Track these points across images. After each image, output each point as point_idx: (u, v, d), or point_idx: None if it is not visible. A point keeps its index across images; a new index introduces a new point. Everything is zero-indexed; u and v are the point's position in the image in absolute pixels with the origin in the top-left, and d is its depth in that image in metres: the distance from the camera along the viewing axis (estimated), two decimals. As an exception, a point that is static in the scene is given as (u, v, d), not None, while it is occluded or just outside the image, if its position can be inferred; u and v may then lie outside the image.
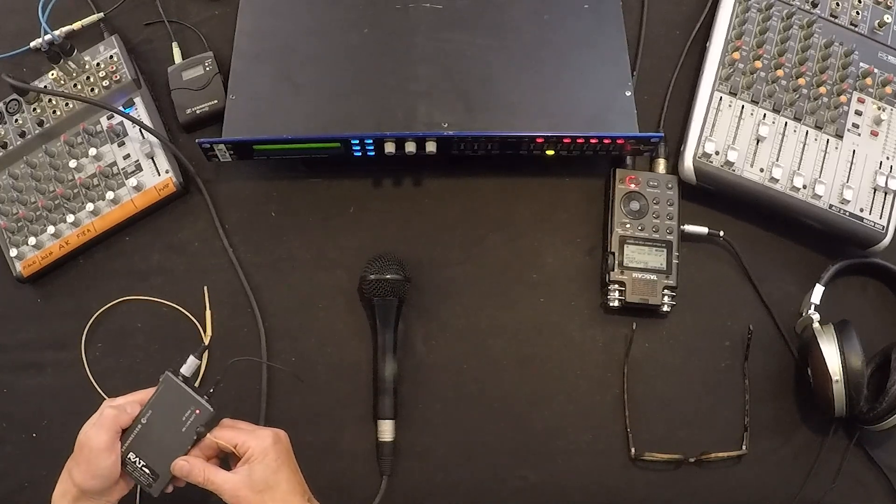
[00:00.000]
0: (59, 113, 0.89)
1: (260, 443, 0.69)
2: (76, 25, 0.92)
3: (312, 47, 0.87)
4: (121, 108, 0.88)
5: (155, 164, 0.87)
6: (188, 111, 0.89)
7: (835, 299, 0.86)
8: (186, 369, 0.73)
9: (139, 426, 0.71)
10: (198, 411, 0.71)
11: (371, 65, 0.85)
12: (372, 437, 0.82)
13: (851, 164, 0.86)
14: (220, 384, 0.72)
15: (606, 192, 0.88)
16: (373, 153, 0.82)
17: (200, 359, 0.75)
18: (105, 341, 0.86)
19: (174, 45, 0.92)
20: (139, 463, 0.71)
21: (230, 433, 0.70)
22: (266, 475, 0.68)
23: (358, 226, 0.88)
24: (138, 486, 0.72)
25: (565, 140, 0.81)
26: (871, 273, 0.89)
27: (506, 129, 0.81)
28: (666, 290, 0.84)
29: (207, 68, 0.90)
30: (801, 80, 0.88)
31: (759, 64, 0.88)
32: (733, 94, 0.87)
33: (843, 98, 0.87)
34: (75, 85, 0.89)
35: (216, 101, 0.89)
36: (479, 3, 0.88)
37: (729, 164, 0.85)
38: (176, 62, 0.91)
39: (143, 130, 0.87)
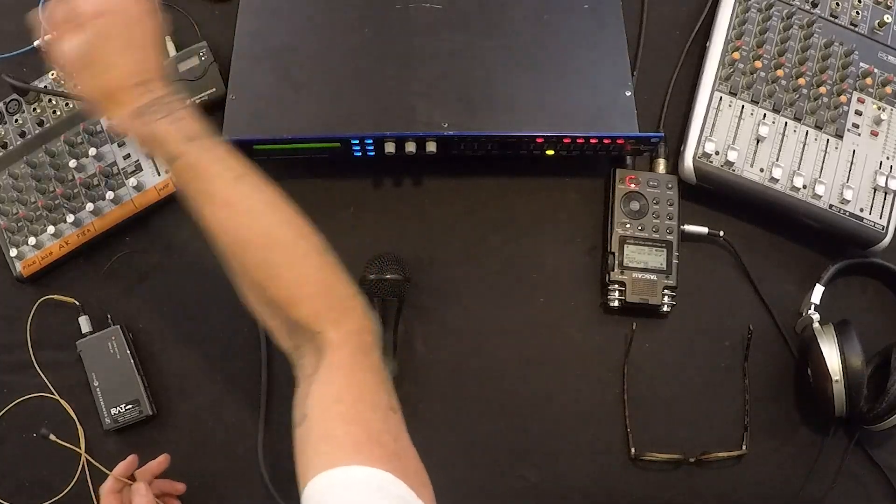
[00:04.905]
0: (59, 113, 0.89)
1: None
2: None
3: (312, 47, 0.87)
4: (121, 108, 0.87)
5: (155, 164, 0.87)
6: (188, 102, 0.88)
7: (835, 299, 0.86)
8: (84, 326, 0.85)
9: (98, 390, 0.82)
10: (113, 337, 0.83)
11: (371, 65, 0.85)
12: (372, 437, 0.82)
13: (851, 164, 0.86)
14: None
15: (606, 192, 0.88)
16: (373, 153, 0.82)
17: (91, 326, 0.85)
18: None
19: (167, 38, 0.92)
20: (123, 408, 0.82)
21: None
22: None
23: (358, 226, 0.88)
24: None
25: (565, 140, 0.81)
26: (871, 273, 0.89)
27: (506, 129, 0.81)
28: (666, 290, 0.84)
29: (203, 58, 0.90)
30: (801, 80, 0.88)
31: (759, 64, 0.88)
32: (733, 94, 0.87)
33: (843, 98, 0.87)
34: (76, 85, 0.89)
35: (214, 90, 0.89)
36: (479, 3, 0.88)
37: (729, 164, 0.85)
38: (170, 55, 0.91)
39: (143, 130, 0.87)
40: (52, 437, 0.77)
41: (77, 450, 0.82)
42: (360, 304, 0.63)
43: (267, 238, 0.63)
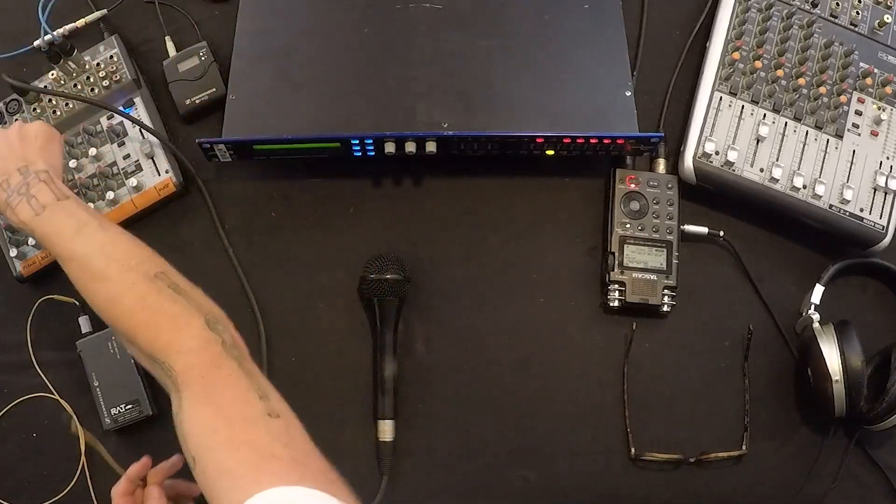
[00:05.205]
0: (59, 113, 0.89)
1: None
2: (80, 23, 0.92)
3: (312, 47, 0.87)
4: (121, 108, 0.87)
5: (155, 164, 0.87)
6: (188, 102, 0.89)
7: (835, 299, 0.86)
8: (84, 326, 0.84)
9: (98, 389, 0.82)
10: (113, 337, 0.82)
11: (371, 65, 0.85)
12: (372, 437, 0.82)
13: (851, 164, 0.86)
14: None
15: (606, 192, 0.88)
16: (373, 153, 0.82)
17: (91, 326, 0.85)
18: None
19: (167, 38, 0.92)
20: (123, 408, 0.82)
21: None
22: None
23: (358, 226, 0.88)
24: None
25: (565, 140, 0.81)
26: (871, 273, 0.89)
27: (506, 129, 0.81)
28: (666, 290, 0.84)
29: (203, 58, 0.90)
30: (801, 80, 0.88)
31: (759, 64, 0.88)
32: (733, 94, 0.87)
33: (843, 98, 0.87)
34: (75, 85, 0.89)
35: (214, 90, 0.89)
36: (479, 3, 0.88)
37: (729, 164, 0.85)
38: (170, 55, 0.91)
39: (143, 130, 0.87)
40: (75, 423, 0.79)
41: (86, 436, 0.82)
42: (195, 317, 0.61)
43: (100, 278, 0.64)
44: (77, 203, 0.69)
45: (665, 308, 0.84)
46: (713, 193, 0.87)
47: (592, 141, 0.81)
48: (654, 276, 0.84)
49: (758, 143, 0.86)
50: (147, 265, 0.65)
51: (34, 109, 0.89)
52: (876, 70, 0.89)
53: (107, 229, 0.67)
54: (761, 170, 0.85)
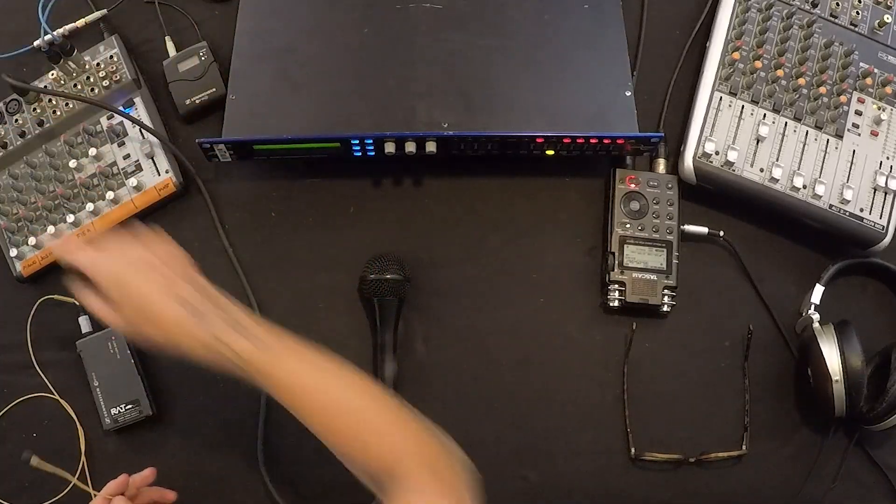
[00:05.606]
0: (59, 113, 0.89)
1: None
2: (80, 23, 0.92)
3: (312, 47, 0.87)
4: (121, 108, 0.88)
5: (155, 164, 0.87)
6: (188, 102, 0.89)
7: (835, 299, 0.86)
8: (83, 326, 0.84)
9: (98, 390, 0.82)
10: (113, 337, 0.83)
11: (371, 65, 0.86)
12: (372, 437, 0.82)
13: (851, 164, 0.86)
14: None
15: (606, 192, 0.88)
16: (373, 153, 0.82)
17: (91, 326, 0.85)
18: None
19: (167, 38, 0.92)
20: (123, 408, 0.82)
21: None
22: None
23: (358, 226, 0.88)
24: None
25: (565, 140, 0.81)
26: (871, 273, 0.89)
27: (506, 129, 0.81)
28: (666, 290, 0.84)
29: (203, 58, 0.90)
30: (801, 80, 0.88)
31: (759, 64, 0.88)
32: (733, 94, 0.87)
33: (843, 98, 0.87)
34: (75, 85, 0.89)
35: (214, 90, 0.89)
36: (479, 2, 0.88)
37: (729, 164, 0.85)
38: (170, 55, 0.91)
39: (143, 130, 0.87)
40: (35, 461, 0.74)
41: (67, 477, 0.79)
42: (448, 459, 0.64)
43: (340, 412, 0.64)
44: (276, 329, 0.66)
45: (665, 308, 0.84)
46: (713, 193, 0.87)
47: (592, 141, 0.81)
48: (654, 276, 0.84)
49: (758, 143, 0.86)
50: (371, 388, 0.66)
51: (34, 109, 0.89)
52: (876, 70, 0.89)
53: (319, 353, 0.66)
54: (761, 170, 0.85)
